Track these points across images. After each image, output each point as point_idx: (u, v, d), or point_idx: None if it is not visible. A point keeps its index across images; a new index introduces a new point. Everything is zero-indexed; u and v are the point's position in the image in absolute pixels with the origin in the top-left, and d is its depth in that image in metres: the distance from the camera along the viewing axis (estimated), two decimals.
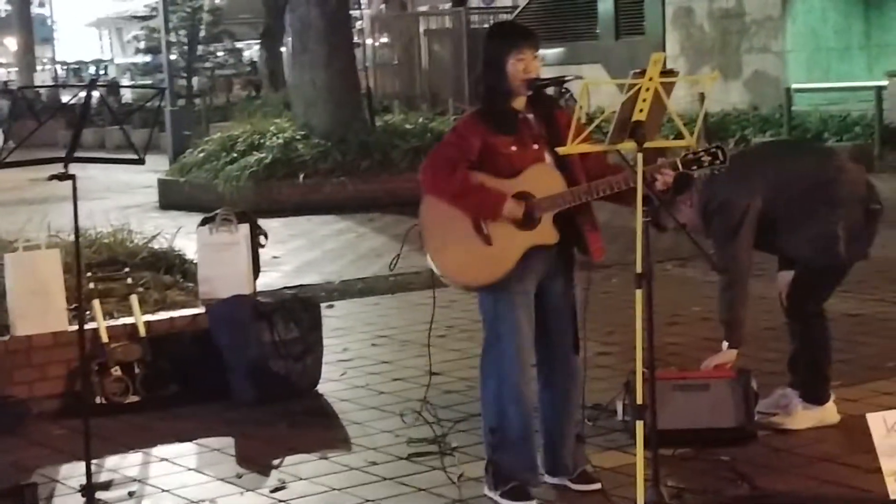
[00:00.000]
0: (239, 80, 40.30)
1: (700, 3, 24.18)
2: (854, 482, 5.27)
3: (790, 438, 5.89)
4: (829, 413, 6.08)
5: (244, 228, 7.47)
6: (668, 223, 5.77)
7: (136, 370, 6.94)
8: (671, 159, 5.02)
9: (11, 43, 51.24)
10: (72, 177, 5.22)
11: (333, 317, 9.02)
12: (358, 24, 25.99)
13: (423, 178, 5.13)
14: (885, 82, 20.13)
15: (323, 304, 7.85)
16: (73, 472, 5.84)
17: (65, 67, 57.14)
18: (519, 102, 5.13)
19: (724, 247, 5.86)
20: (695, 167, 5.03)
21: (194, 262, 8.04)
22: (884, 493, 4.85)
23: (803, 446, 5.79)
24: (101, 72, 52.51)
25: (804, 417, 6.02)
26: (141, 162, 5.40)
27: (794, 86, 21.18)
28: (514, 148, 5.07)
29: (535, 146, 5.12)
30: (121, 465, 6.03)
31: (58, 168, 5.24)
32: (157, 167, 19.64)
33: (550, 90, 5.22)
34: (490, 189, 5.02)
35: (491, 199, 5.01)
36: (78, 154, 5.35)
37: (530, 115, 5.15)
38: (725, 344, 5.93)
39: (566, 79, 5.12)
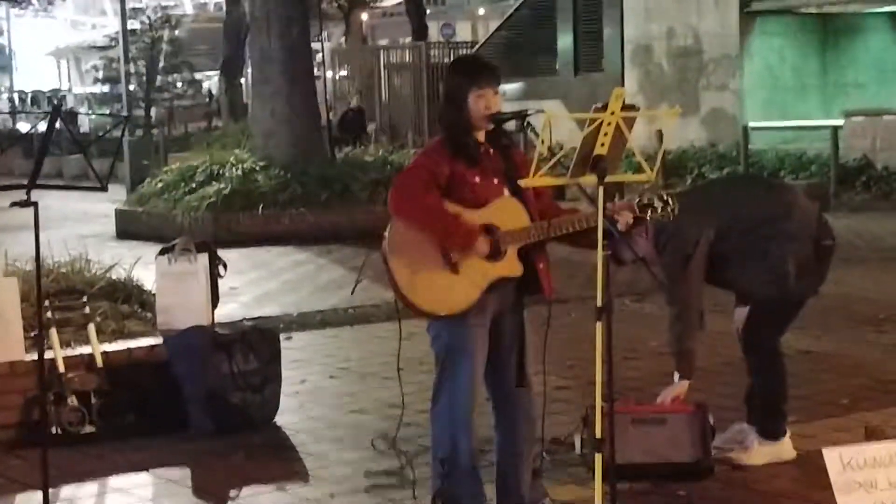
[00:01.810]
0: (206, 110, 40.25)
1: (659, 42, 24.40)
2: None
3: (746, 474, 5.93)
4: (785, 449, 6.12)
5: (203, 259, 7.45)
6: (627, 256, 5.81)
7: (93, 400, 6.89)
8: (628, 201, 5.09)
9: None
10: (34, 204, 5.19)
11: (292, 348, 9.00)
12: (318, 57, 25.97)
13: (393, 199, 5.04)
14: (840, 122, 20.37)
15: (281, 336, 7.83)
16: (27, 502, 5.80)
17: (23, 96, 56.83)
18: (480, 135, 5.16)
19: (674, 279, 5.90)
20: (649, 212, 5.10)
21: (152, 292, 8.01)
22: None
23: (759, 482, 5.82)
24: (60, 101, 52.27)
25: (760, 453, 6.06)
26: (104, 189, 5.39)
27: (752, 124, 21.39)
28: (478, 179, 5.09)
29: (496, 180, 5.14)
30: (76, 495, 5.99)
31: (20, 195, 5.21)
32: (114, 197, 19.55)
33: (511, 124, 5.25)
34: (463, 221, 5.02)
35: (463, 231, 4.99)
36: (39, 182, 5.32)
37: (490, 150, 5.18)
38: (677, 375, 5.97)
39: (528, 112, 5.15)
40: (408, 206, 5.03)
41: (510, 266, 5.07)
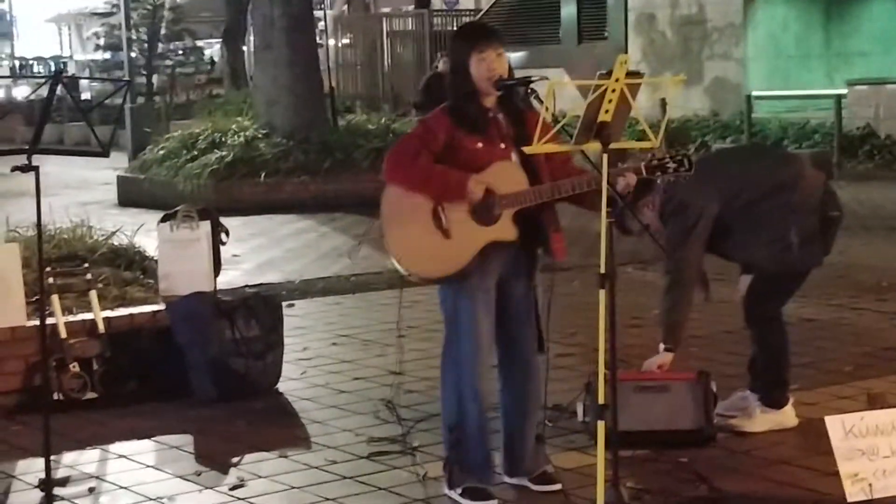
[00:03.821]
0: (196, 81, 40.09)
1: (662, 10, 24.30)
2: (811, 485, 5.31)
3: (749, 441, 5.93)
4: (787, 416, 6.12)
5: (205, 225, 7.44)
6: (634, 226, 5.80)
7: (95, 366, 6.89)
8: (636, 164, 5.02)
9: None
10: (35, 168, 5.17)
11: (294, 316, 8.99)
12: (321, 25, 25.88)
13: (387, 169, 5.14)
14: (844, 90, 20.31)
15: (283, 303, 7.82)
16: (30, 468, 5.80)
17: (24, 63, 56.67)
18: (489, 101, 5.14)
19: (675, 249, 5.88)
20: (659, 173, 5.04)
21: (154, 258, 8.01)
22: (841, 495, 4.89)
23: (762, 449, 5.82)
24: (61, 67, 52.07)
25: (763, 420, 6.06)
26: (105, 155, 5.38)
27: (755, 93, 21.33)
28: (480, 145, 5.08)
29: (503, 145, 5.13)
30: (78, 461, 5.99)
31: (21, 160, 5.20)
32: (116, 164, 19.54)
33: (520, 92, 5.22)
34: (452, 170, 5.03)
35: (454, 179, 5.01)
36: (40, 147, 5.30)
37: (500, 115, 5.16)
38: (662, 346, 5.97)
39: (533, 79, 5.13)
40: (400, 172, 5.10)
41: (504, 230, 5.07)
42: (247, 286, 9.26)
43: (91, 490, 5.56)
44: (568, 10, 26.90)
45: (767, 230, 5.91)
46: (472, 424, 5.15)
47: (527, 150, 4.90)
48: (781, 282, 6.09)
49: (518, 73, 5.27)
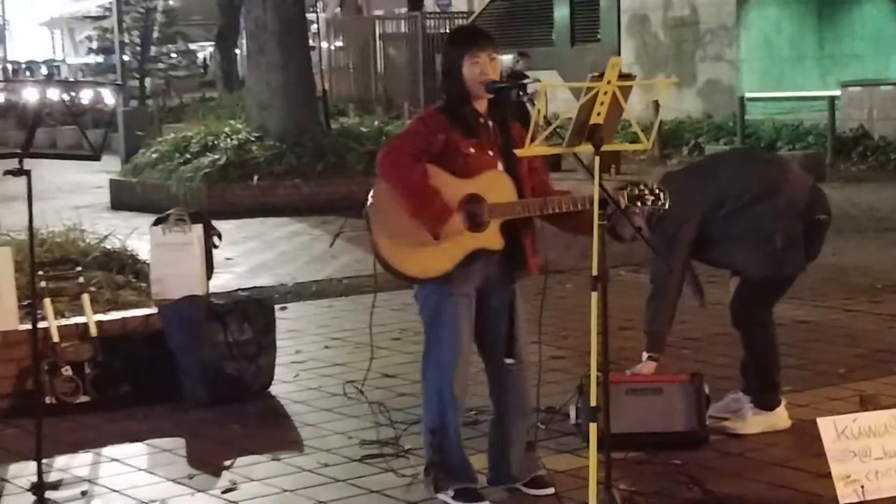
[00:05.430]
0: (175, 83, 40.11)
1: (655, 12, 24.33)
2: (804, 486, 5.31)
3: (741, 443, 5.93)
4: (779, 418, 6.12)
5: (198, 229, 7.42)
6: (625, 233, 5.79)
7: (87, 370, 6.88)
8: (620, 189, 5.05)
9: None
10: (27, 172, 5.17)
11: (287, 319, 8.99)
12: (313, 28, 25.91)
13: (382, 161, 5.05)
14: (837, 92, 20.35)
15: (276, 306, 7.81)
16: (22, 472, 5.79)
17: (16, 67, 56.67)
18: (480, 105, 5.13)
19: (660, 258, 5.88)
20: (638, 203, 5.07)
21: (147, 262, 7.99)
22: (833, 497, 4.90)
23: (754, 450, 5.83)
24: (54, 71, 52.10)
25: (755, 422, 6.07)
26: (96, 158, 5.37)
27: (748, 94, 21.36)
28: (472, 150, 5.07)
29: (490, 153, 5.12)
30: (70, 465, 5.98)
31: (12, 164, 5.19)
32: (108, 167, 19.53)
33: (513, 95, 5.23)
34: (439, 199, 4.98)
35: (436, 210, 4.96)
36: (32, 150, 5.29)
37: (490, 122, 5.16)
38: (645, 355, 5.97)
39: (525, 81, 5.13)
40: (393, 172, 5.03)
41: (491, 239, 5.06)
42: (239, 289, 9.26)
43: (83, 493, 5.56)
44: (561, 12, 26.94)
45: (752, 236, 5.90)
46: (452, 427, 5.16)
47: (518, 152, 4.89)
48: (767, 287, 6.08)
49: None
